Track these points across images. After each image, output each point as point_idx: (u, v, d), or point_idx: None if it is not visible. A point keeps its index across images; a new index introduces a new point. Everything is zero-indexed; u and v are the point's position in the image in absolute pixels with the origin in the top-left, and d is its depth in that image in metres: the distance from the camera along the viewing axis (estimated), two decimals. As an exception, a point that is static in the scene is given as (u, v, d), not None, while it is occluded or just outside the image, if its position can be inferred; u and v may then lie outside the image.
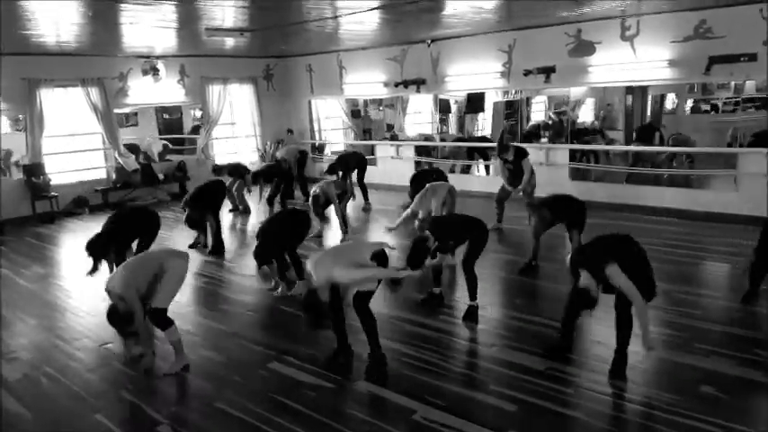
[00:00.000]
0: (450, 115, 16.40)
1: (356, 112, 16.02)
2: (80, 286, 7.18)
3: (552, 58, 10.23)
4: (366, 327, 4.69)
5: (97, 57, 11.52)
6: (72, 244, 9.48)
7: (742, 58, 8.33)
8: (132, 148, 12.55)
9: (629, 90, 13.39)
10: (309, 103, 14.80)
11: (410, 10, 7.90)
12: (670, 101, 14.04)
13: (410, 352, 4.90)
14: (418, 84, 12.21)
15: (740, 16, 8.24)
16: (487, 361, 4.72)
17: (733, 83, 12.06)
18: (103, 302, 6.44)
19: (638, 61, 9.35)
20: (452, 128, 16.27)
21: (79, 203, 11.62)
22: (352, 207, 10.72)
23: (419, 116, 15.95)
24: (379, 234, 9.19)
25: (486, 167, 13.29)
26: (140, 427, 4.02)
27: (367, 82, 13.12)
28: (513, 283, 6.54)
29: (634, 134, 12.52)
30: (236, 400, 4.25)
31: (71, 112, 12.02)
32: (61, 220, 11.04)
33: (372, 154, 13.63)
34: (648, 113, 13.42)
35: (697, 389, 4.12)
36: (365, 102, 16.34)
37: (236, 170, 10.79)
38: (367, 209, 10.91)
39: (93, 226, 8.24)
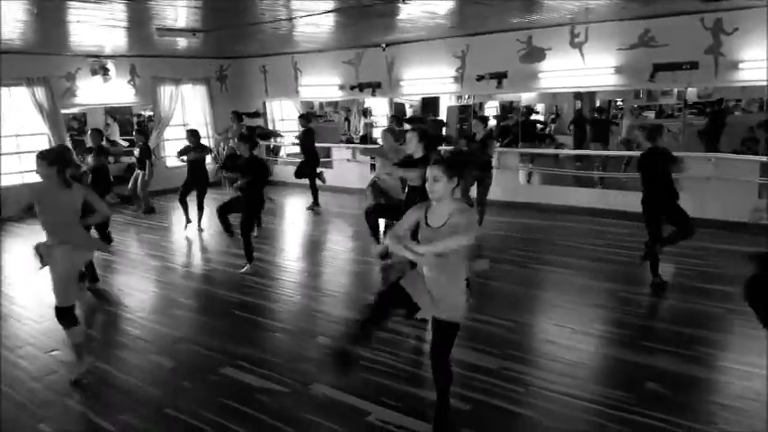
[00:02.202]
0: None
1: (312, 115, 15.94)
2: (24, 293, 6.95)
3: (504, 64, 10.42)
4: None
5: (43, 55, 11.18)
6: (17, 249, 9.16)
7: (684, 66, 8.66)
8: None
9: (578, 96, 13.73)
10: (264, 104, 14.67)
11: (365, 13, 7.93)
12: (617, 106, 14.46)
13: (367, 354, 4.88)
14: (374, 87, 12.26)
15: (682, 25, 8.57)
16: (441, 362, 4.76)
17: (676, 89, 12.49)
18: (48, 309, 6.28)
19: (586, 68, 9.61)
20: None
21: (24, 207, 11.19)
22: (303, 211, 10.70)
23: (375, 120, 15.98)
24: (336, 235, 9.20)
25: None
26: (87, 436, 3.92)
27: (323, 84, 13.09)
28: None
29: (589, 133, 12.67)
30: (186, 406, 4.17)
31: (15, 111, 11.62)
32: (4, 223, 10.64)
33: (328, 157, 13.61)
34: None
35: (643, 385, 4.26)
36: (321, 104, 16.29)
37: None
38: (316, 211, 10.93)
39: (39, 230, 7.97)
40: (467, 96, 15.10)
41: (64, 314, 4.47)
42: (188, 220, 9.70)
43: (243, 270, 7.18)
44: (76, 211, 4.56)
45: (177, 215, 10.79)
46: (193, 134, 9.70)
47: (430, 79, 11.46)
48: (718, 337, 5.17)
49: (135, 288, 7.07)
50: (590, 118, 12.82)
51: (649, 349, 4.82)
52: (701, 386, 4.32)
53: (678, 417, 3.82)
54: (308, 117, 11.40)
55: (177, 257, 8.34)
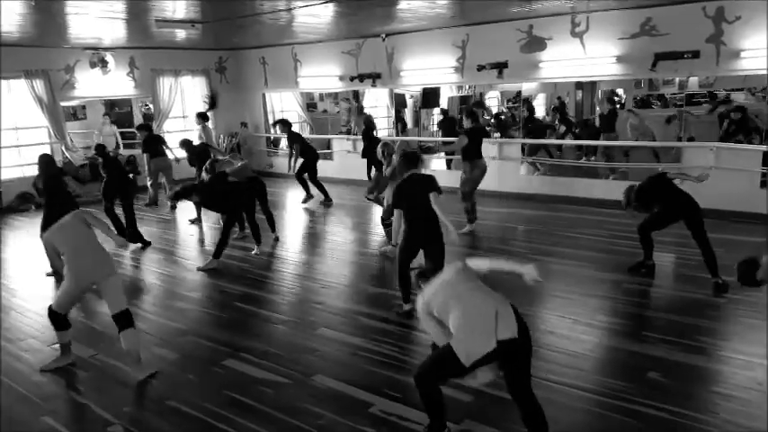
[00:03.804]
0: (406, 110, 16.48)
1: (312, 106, 15.93)
2: (26, 285, 6.96)
3: (504, 53, 10.36)
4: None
5: (42, 48, 11.15)
6: (17, 242, 9.16)
7: (686, 55, 8.61)
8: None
9: (579, 85, 13.70)
10: (264, 96, 14.63)
11: (364, 4, 7.90)
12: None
13: (369, 346, 4.92)
14: (374, 78, 12.21)
15: (684, 14, 8.52)
16: (443, 353, 4.77)
17: (677, 79, 12.45)
18: (51, 301, 6.30)
19: (587, 57, 9.56)
20: (409, 122, 16.37)
21: (24, 199, 11.20)
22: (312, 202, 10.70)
23: (375, 111, 15.94)
24: (337, 226, 9.20)
25: (448, 162, 13.42)
26: (91, 429, 3.92)
27: (322, 75, 13.05)
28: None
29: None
30: (190, 398, 4.19)
31: (15, 104, 11.60)
32: (5, 216, 10.65)
33: (328, 148, 13.60)
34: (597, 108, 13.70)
35: (644, 375, 4.27)
36: (321, 95, 16.25)
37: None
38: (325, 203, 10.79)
39: (40, 222, 7.99)
40: (467, 86, 15.09)
41: (53, 317, 4.62)
42: (199, 219, 9.69)
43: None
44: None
45: (180, 208, 10.79)
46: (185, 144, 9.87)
47: (430, 69, 11.41)
48: (719, 327, 5.18)
49: (138, 280, 7.09)
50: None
51: (651, 339, 4.84)
52: (702, 376, 4.33)
53: (680, 406, 3.83)
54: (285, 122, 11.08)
55: (180, 250, 8.34)
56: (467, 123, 8.31)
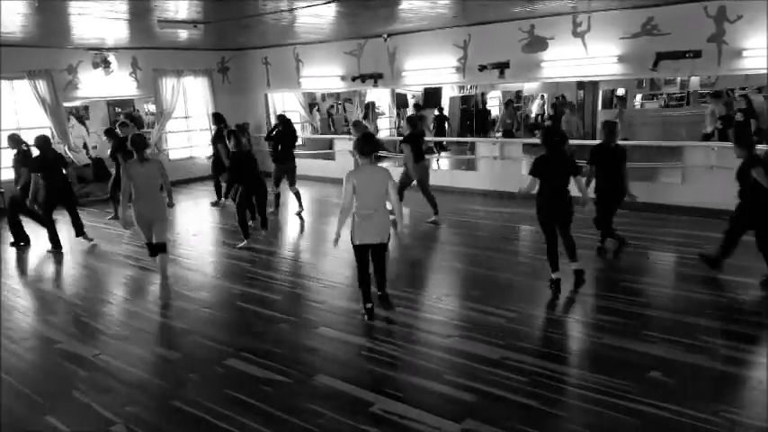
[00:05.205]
0: (408, 110, 16.49)
1: (313, 106, 15.94)
2: (28, 285, 6.99)
3: (506, 53, 10.35)
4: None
5: (45, 48, 11.17)
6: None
7: (687, 55, 8.60)
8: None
9: (581, 85, 13.69)
10: (266, 96, 14.64)
11: (366, 4, 7.90)
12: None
13: (369, 345, 4.93)
14: (375, 78, 12.22)
15: (685, 14, 8.51)
16: (445, 352, 4.79)
17: (679, 78, 12.45)
18: (56, 300, 6.33)
19: (589, 57, 9.56)
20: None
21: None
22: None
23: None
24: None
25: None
26: (93, 428, 3.93)
27: (324, 76, 13.06)
28: (468, 275, 6.64)
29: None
30: (192, 397, 4.20)
31: (18, 105, 11.62)
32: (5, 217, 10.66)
33: (330, 148, 13.61)
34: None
35: (646, 374, 4.27)
36: (322, 95, 16.27)
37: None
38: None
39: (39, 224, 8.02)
40: (469, 86, 15.11)
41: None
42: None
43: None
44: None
45: (180, 208, 10.81)
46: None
47: (432, 69, 11.41)
48: (720, 326, 5.18)
49: (138, 280, 7.10)
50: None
51: (651, 338, 4.84)
52: (703, 375, 4.32)
53: (680, 405, 3.83)
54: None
55: (179, 250, 8.35)
56: (407, 130, 8.91)
